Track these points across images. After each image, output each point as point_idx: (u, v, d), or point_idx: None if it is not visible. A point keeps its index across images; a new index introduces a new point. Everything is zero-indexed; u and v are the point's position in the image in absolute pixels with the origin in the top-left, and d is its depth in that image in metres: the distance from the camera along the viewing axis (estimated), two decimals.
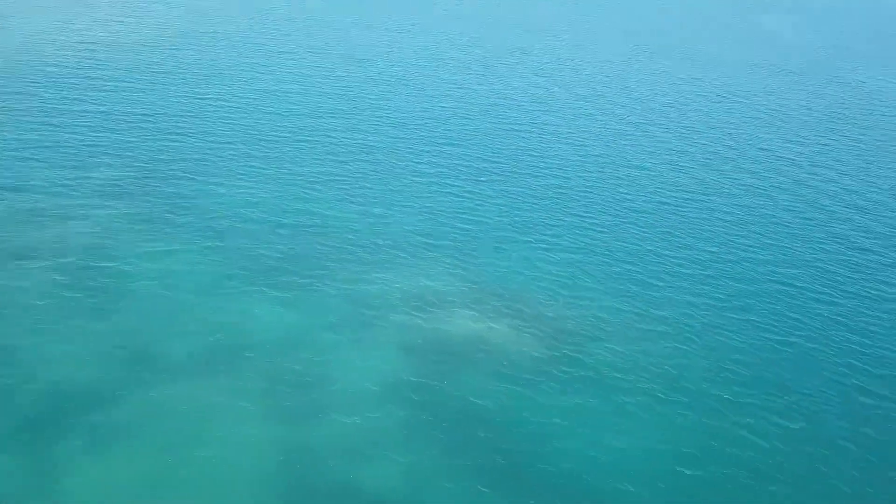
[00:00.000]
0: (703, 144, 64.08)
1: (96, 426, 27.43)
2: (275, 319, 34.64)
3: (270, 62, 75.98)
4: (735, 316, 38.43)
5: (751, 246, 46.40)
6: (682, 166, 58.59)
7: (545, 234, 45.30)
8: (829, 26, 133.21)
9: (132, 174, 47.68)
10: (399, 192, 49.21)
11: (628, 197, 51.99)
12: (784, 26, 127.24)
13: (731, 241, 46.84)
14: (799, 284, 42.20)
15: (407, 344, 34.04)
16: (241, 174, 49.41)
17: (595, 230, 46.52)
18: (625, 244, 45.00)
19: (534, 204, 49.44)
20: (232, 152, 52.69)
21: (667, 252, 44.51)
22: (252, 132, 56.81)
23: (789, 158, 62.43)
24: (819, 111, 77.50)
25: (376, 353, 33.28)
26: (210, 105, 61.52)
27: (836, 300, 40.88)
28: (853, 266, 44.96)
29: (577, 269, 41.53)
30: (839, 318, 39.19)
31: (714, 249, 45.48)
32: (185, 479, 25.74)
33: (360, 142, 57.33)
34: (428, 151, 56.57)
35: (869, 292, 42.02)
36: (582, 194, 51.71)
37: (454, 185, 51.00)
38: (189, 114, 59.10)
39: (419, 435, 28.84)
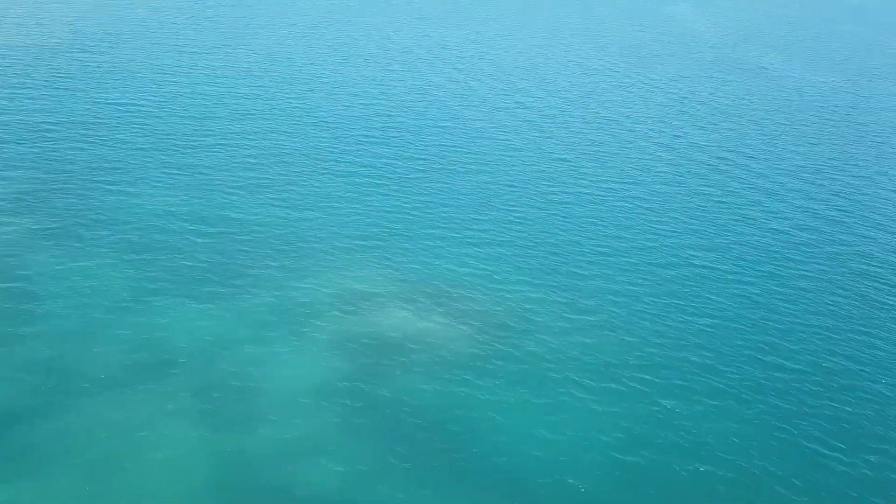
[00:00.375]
0: (621, 134, 65.73)
1: (12, 455, 25.91)
2: (200, 332, 33.54)
3: (182, 63, 73.44)
4: (658, 301, 39.62)
5: (670, 232, 47.92)
6: (600, 156, 59.94)
7: (472, 229, 45.54)
8: (734, 15, 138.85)
9: (37, 187, 45.22)
10: (323, 194, 48.48)
11: (551, 189, 52.81)
12: (692, 16, 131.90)
13: (651, 227, 48.25)
14: (717, 267, 43.87)
15: (338, 347, 33.60)
16: (156, 182, 47.60)
17: (520, 223, 47.07)
18: (550, 236, 45.72)
19: (459, 199, 49.60)
20: (146, 159, 50.70)
21: (590, 242, 45.47)
22: (166, 137, 54.79)
23: (702, 145, 64.77)
24: (727, 97, 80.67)
25: (308, 359, 32.72)
26: (120, 110, 58.99)
27: (751, 280, 42.71)
28: (765, 247, 47.06)
29: (504, 263, 41.93)
30: (755, 297, 40.98)
31: (635, 237, 46.74)
32: (113, 501, 24.67)
33: (281, 143, 56.15)
34: (351, 151, 55.93)
35: (781, 272, 44.09)
36: (506, 188, 52.21)
37: (379, 184, 50.61)
38: (98, 120, 56.49)
39: (354, 439, 28.55)
